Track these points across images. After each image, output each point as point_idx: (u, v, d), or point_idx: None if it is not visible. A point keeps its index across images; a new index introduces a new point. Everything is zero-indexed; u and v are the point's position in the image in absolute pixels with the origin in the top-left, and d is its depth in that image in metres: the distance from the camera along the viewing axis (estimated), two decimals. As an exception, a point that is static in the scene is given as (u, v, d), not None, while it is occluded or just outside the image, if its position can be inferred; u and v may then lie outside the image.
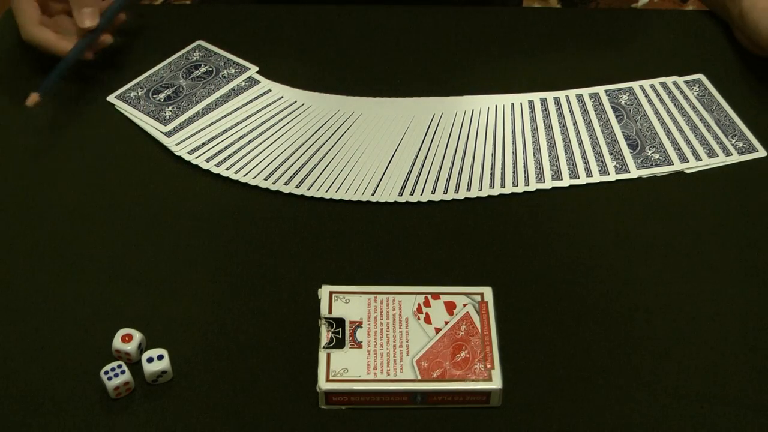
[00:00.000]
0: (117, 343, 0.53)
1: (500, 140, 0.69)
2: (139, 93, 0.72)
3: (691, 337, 0.56)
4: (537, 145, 0.69)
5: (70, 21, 0.70)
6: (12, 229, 0.62)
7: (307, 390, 0.52)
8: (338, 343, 0.53)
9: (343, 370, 0.52)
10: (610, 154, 0.68)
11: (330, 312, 0.55)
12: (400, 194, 0.64)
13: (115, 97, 0.71)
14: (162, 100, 0.71)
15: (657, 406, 0.53)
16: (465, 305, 0.55)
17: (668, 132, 0.70)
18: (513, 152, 0.68)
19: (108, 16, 0.71)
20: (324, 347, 0.53)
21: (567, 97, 0.73)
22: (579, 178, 0.66)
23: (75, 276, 0.59)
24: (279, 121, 0.70)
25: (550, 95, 0.73)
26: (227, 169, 0.66)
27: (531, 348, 0.55)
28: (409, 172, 0.66)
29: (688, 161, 0.68)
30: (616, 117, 0.71)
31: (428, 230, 0.63)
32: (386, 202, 0.64)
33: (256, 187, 0.65)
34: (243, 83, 0.73)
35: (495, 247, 0.61)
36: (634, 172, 0.67)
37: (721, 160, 0.68)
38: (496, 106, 0.72)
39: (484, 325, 0.54)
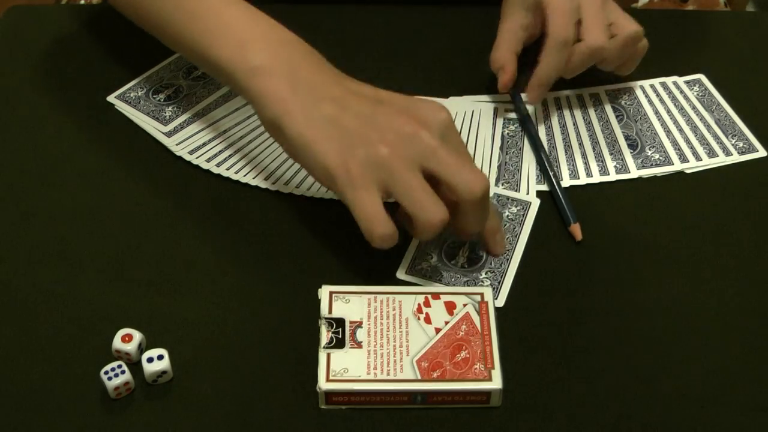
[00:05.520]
0: (117, 343, 0.53)
1: (499, 140, 0.69)
2: (139, 93, 0.72)
3: (691, 337, 0.56)
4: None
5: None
6: (12, 229, 0.62)
7: (307, 390, 0.52)
8: (338, 343, 0.53)
9: (343, 370, 0.52)
10: (610, 154, 0.68)
11: (330, 312, 0.55)
12: (400, 194, 0.64)
13: (115, 97, 0.71)
14: (162, 100, 0.71)
15: (657, 406, 0.53)
16: (465, 305, 0.55)
17: (668, 132, 0.70)
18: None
19: None
20: (324, 347, 0.53)
21: (567, 97, 0.73)
22: (579, 178, 0.66)
23: (75, 276, 0.59)
24: (279, 121, 0.70)
25: (550, 95, 0.73)
26: (227, 169, 0.66)
27: (531, 348, 0.55)
28: (409, 172, 0.66)
29: (688, 161, 0.68)
30: (616, 117, 0.71)
31: (428, 230, 0.62)
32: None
33: (256, 187, 0.65)
34: (243, 83, 0.73)
35: (495, 247, 0.61)
36: (634, 172, 0.67)
37: (721, 160, 0.68)
38: (496, 107, 0.72)
39: (484, 325, 0.54)
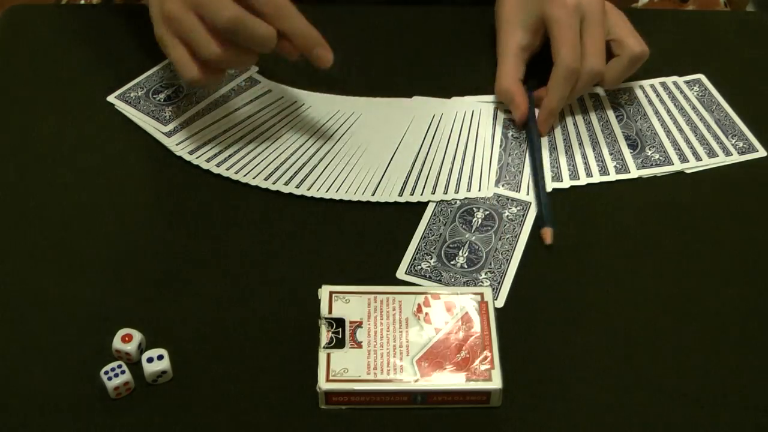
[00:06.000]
0: (117, 343, 0.53)
1: (499, 140, 0.69)
2: (139, 93, 0.72)
3: (690, 337, 0.56)
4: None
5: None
6: (12, 229, 0.62)
7: (307, 390, 0.52)
8: (338, 343, 0.53)
9: (343, 370, 0.52)
10: (610, 154, 0.68)
11: (330, 312, 0.55)
12: (400, 194, 0.64)
13: (115, 97, 0.71)
14: (162, 100, 0.71)
15: (657, 406, 0.53)
16: (465, 305, 0.55)
17: (668, 132, 0.70)
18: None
19: None
20: (324, 347, 0.53)
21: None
22: (579, 178, 0.66)
23: (75, 276, 0.59)
24: (279, 121, 0.70)
25: (550, 95, 0.73)
26: (227, 169, 0.66)
27: (531, 348, 0.55)
28: (409, 172, 0.66)
29: (688, 161, 0.68)
30: (616, 117, 0.71)
31: (428, 230, 0.63)
32: (386, 202, 0.64)
33: (256, 187, 0.65)
34: (243, 83, 0.73)
35: (495, 247, 0.61)
36: (634, 172, 0.67)
37: (721, 160, 0.68)
38: (496, 107, 0.72)
39: (484, 325, 0.54)
